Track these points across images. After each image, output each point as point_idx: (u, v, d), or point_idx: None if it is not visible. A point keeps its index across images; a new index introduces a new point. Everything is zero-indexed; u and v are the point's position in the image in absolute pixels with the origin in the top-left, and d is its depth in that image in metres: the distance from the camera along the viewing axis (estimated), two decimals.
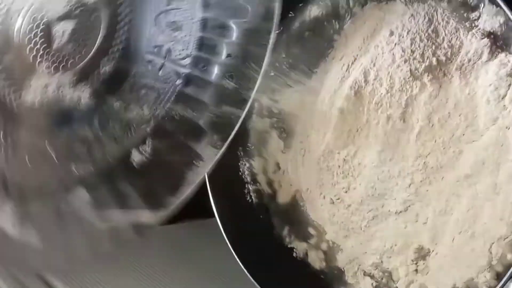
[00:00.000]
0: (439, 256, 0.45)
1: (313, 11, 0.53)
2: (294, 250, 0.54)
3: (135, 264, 0.54)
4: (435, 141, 0.45)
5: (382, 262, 0.48)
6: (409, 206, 0.46)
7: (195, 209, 0.61)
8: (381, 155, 0.47)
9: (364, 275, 0.49)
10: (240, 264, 0.51)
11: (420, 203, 0.46)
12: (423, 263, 0.46)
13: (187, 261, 0.56)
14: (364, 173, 0.48)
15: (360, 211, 0.49)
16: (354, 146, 0.49)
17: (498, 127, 0.43)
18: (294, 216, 0.55)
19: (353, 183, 0.49)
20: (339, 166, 0.50)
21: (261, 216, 0.56)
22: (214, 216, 0.53)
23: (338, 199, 0.50)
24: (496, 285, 0.42)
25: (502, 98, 0.43)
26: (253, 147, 0.57)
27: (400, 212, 0.46)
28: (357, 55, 0.50)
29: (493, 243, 0.43)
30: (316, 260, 0.53)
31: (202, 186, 0.53)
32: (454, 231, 0.44)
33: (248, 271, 0.51)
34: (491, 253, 0.43)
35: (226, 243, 0.52)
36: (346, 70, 0.50)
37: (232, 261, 0.51)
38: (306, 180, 0.53)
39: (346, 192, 0.49)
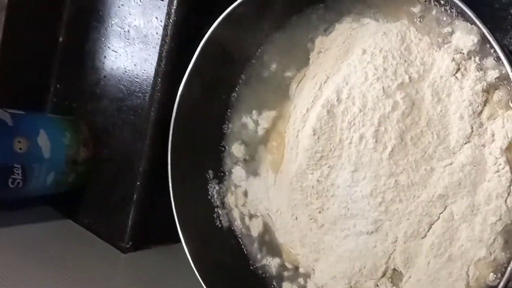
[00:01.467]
0: (413, 281, 0.43)
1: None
2: (266, 277, 0.52)
3: None
4: (408, 160, 0.43)
5: None
6: (379, 226, 0.44)
7: (162, 234, 0.59)
8: (354, 175, 0.45)
9: None
10: None
11: (390, 222, 0.44)
12: None
13: (153, 286, 0.54)
14: (337, 193, 0.46)
15: (333, 230, 0.47)
16: (327, 167, 0.47)
17: (474, 146, 0.42)
18: (265, 240, 0.53)
19: (326, 203, 0.47)
20: (312, 187, 0.48)
21: (232, 242, 0.54)
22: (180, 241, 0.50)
23: (312, 219, 0.48)
24: None
25: (478, 115, 0.42)
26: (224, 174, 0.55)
27: (372, 232, 0.45)
28: (329, 74, 0.48)
29: (469, 266, 0.41)
30: None
31: (168, 210, 0.51)
32: (429, 254, 0.42)
33: None
34: (468, 275, 0.41)
35: (193, 269, 0.49)
36: (319, 89, 0.48)
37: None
38: (277, 201, 0.51)
39: (319, 212, 0.48)
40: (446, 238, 0.42)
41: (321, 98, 0.48)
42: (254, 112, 0.54)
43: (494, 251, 0.41)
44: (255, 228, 0.53)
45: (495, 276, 0.41)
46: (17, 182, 0.56)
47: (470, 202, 0.42)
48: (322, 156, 0.47)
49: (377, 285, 0.45)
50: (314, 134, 0.47)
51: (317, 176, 0.47)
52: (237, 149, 0.55)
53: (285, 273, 0.51)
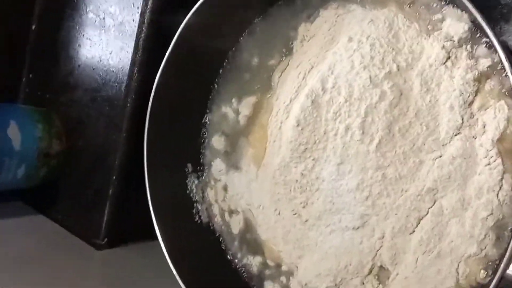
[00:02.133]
0: (400, 278, 0.41)
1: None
2: (247, 276, 0.50)
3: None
4: (396, 152, 0.41)
5: (337, 286, 0.44)
6: (366, 221, 0.42)
7: (138, 230, 0.57)
8: (339, 168, 0.43)
9: None
10: None
11: (377, 217, 0.42)
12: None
13: (129, 285, 0.52)
14: (322, 187, 0.45)
15: (317, 226, 0.45)
16: (312, 159, 0.45)
17: (465, 137, 0.40)
18: (246, 238, 0.51)
19: (311, 197, 0.45)
20: (296, 181, 0.46)
21: (212, 239, 0.52)
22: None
23: (295, 214, 0.46)
24: None
25: (469, 105, 0.40)
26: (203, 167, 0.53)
27: (358, 228, 0.43)
28: (314, 63, 0.46)
29: (459, 262, 0.39)
30: None
31: (145, 205, 0.49)
32: (417, 251, 0.40)
33: None
34: (458, 272, 0.39)
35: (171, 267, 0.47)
36: (303, 79, 0.47)
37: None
38: (259, 196, 0.49)
39: (303, 207, 0.46)
40: (435, 233, 0.40)
41: (305, 88, 0.46)
42: (233, 100, 0.52)
43: (485, 247, 0.39)
44: (236, 225, 0.51)
45: (486, 273, 0.39)
46: None
47: (461, 196, 0.40)
48: (306, 149, 0.45)
49: (363, 283, 0.43)
50: (298, 126, 0.45)
51: (301, 169, 0.45)
52: (217, 141, 0.53)
53: (267, 272, 0.49)
